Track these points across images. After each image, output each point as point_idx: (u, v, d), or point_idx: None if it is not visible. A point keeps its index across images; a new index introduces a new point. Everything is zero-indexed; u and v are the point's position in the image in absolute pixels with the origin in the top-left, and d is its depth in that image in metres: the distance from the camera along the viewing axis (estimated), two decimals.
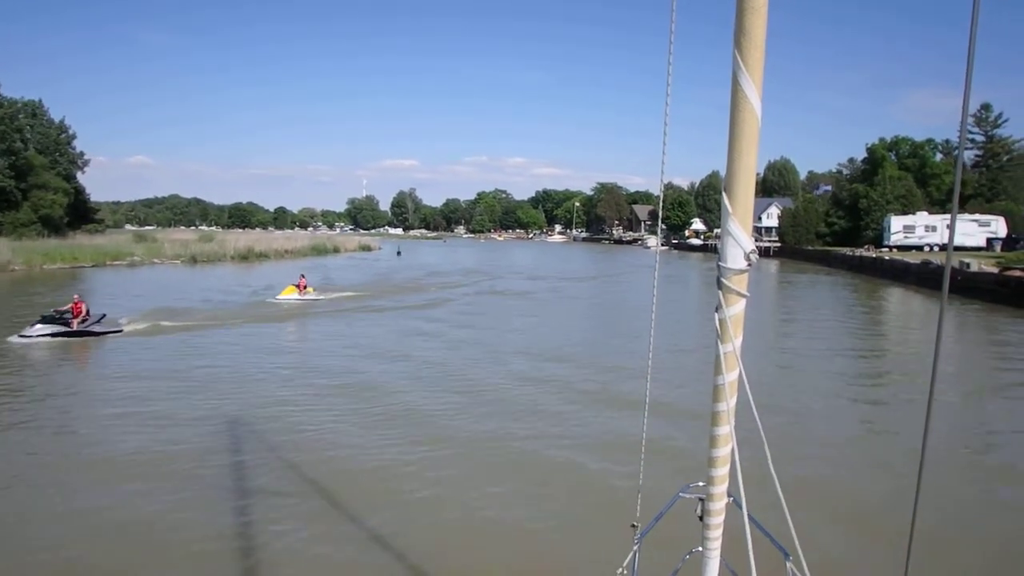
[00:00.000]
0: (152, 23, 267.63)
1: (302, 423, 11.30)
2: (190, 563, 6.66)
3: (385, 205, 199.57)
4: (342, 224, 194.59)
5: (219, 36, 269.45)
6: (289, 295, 27.77)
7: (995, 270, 32.46)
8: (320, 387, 13.87)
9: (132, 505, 7.94)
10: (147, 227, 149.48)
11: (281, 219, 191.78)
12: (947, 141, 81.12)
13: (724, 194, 1.79)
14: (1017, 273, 29.80)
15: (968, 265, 34.03)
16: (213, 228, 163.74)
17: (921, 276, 38.82)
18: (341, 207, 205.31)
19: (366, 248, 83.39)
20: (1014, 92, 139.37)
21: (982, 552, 7.07)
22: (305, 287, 28.49)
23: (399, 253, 73.86)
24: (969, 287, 32.67)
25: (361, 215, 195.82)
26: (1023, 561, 6.94)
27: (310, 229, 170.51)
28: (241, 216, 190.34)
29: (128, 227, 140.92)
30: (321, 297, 29.14)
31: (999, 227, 56.71)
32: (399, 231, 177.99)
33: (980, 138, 78.89)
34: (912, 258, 45.78)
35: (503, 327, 23.08)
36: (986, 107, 78.67)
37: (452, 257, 72.96)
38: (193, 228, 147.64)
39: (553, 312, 27.99)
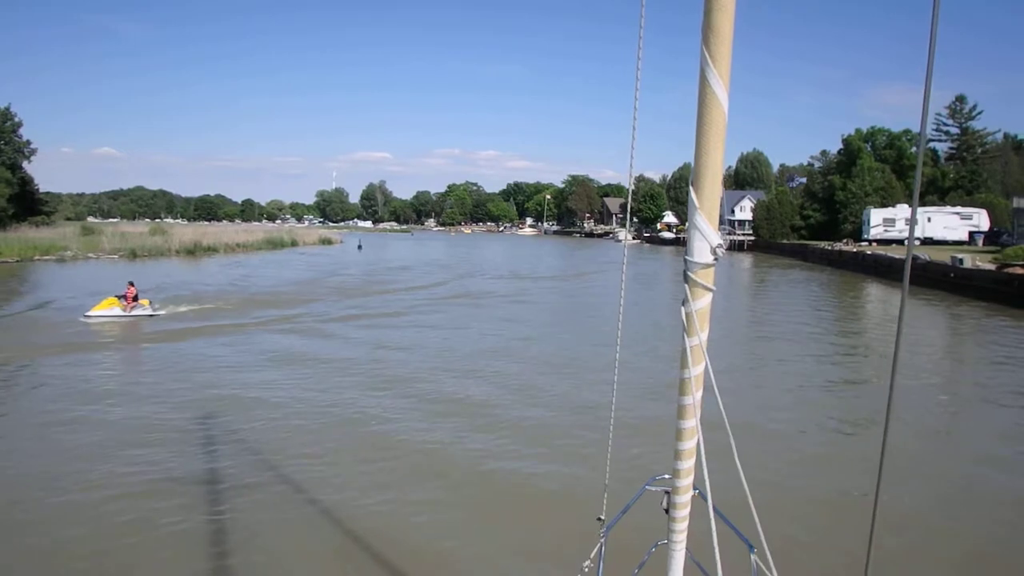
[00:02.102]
0: (124, 15, 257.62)
1: None
2: None
3: (355, 197, 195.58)
4: (311, 217, 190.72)
5: (191, 28, 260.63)
6: (107, 310, 20.25)
7: (992, 267, 29.99)
8: None
9: None
10: (110, 219, 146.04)
11: (248, 212, 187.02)
12: (916, 134, 79.70)
13: (691, 188, 1.80)
14: (1019, 270, 27.27)
15: (961, 261, 31.56)
16: (178, 220, 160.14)
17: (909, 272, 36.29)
18: (311, 200, 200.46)
19: (327, 242, 79.00)
20: (994, 86, 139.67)
21: (945, 549, 7.00)
22: (134, 298, 20.99)
23: (360, 247, 70.18)
24: (964, 285, 30.27)
25: (330, 208, 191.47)
26: (987, 558, 6.87)
27: (278, 222, 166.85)
28: (208, 208, 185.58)
29: (91, 219, 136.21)
30: (160, 312, 21.43)
31: (982, 220, 55.03)
32: (368, 224, 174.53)
33: (955, 130, 77.63)
34: (896, 252, 43.43)
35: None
36: (960, 99, 77.35)
37: (415, 251, 69.57)
38: (158, 220, 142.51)
39: (505, 332, 20.08)
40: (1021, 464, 9.73)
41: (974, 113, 76.54)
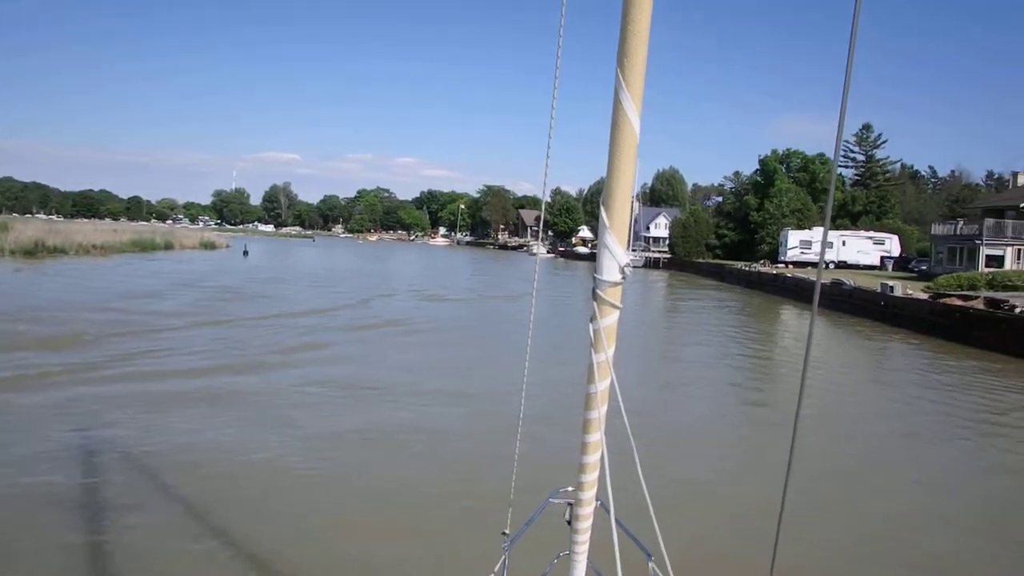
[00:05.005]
0: None
1: None
2: None
3: (257, 199, 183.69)
4: (206, 218, 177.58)
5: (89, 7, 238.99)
6: None
7: (924, 296, 27.72)
8: None
9: None
10: None
11: (135, 210, 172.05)
12: (829, 159, 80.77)
13: (601, 208, 1.85)
14: (956, 301, 24.89)
15: (892, 288, 29.33)
16: (52, 216, 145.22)
17: (832, 297, 34.22)
18: (209, 200, 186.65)
19: (209, 245, 69.83)
20: (901, 115, 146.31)
21: (846, 549, 7.23)
22: None
23: (246, 253, 62.86)
24: (894, 315, 27.90)
25: (228, 209, 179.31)
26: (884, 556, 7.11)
27: (169, 222, 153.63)
28: (88, 204, 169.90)
29: None
30: None
31: (893, 246, 55.01)
32: (270, 228, 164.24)
33: (860, 157, 79.08)
34: (815, 275, 41.55)
35: None
36: (867, 127, 79.14)
37: (309, 261, 62.99)
38: (28, 216, 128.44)
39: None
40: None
41: (879, 142, 78.38)
